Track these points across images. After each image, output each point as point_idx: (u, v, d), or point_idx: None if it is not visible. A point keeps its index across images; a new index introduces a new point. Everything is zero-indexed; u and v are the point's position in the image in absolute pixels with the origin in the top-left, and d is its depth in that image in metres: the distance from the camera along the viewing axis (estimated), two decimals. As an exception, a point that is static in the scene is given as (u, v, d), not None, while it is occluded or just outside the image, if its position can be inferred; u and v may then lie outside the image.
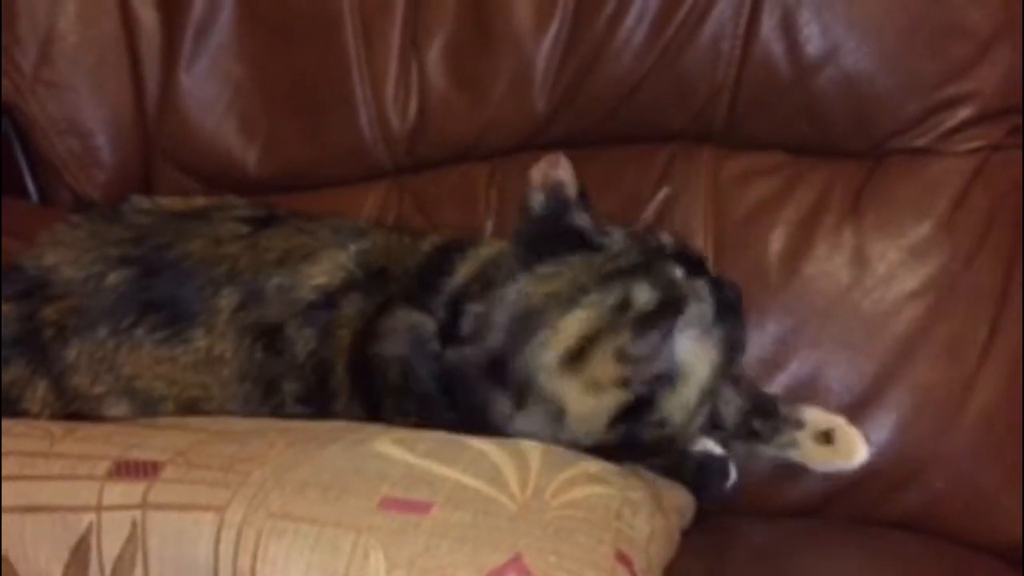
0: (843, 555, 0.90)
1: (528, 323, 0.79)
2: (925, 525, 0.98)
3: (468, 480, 0.64)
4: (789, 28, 1.03)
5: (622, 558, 0.61)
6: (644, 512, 0.68)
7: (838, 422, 0.95)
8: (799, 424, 0.94)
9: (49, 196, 1.25)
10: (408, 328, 0.85)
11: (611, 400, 0.77)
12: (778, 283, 1.02)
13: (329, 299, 0.88)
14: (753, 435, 0.94)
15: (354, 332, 0.87)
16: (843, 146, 1.05)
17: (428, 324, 0.85)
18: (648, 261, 0.81)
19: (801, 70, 1.04)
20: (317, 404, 0.87)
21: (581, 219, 0.84)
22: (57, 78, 1.17)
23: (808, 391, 1.00)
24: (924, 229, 1.01)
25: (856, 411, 1.00)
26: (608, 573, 0.60)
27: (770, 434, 0.94)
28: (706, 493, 0.94)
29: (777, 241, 1.03)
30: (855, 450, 0.95)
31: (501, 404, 0.78)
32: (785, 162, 1.07)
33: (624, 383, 0.76)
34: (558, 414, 0.77)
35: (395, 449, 0.67)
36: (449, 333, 0.83)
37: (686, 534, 0.86)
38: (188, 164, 1.20)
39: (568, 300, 0.78)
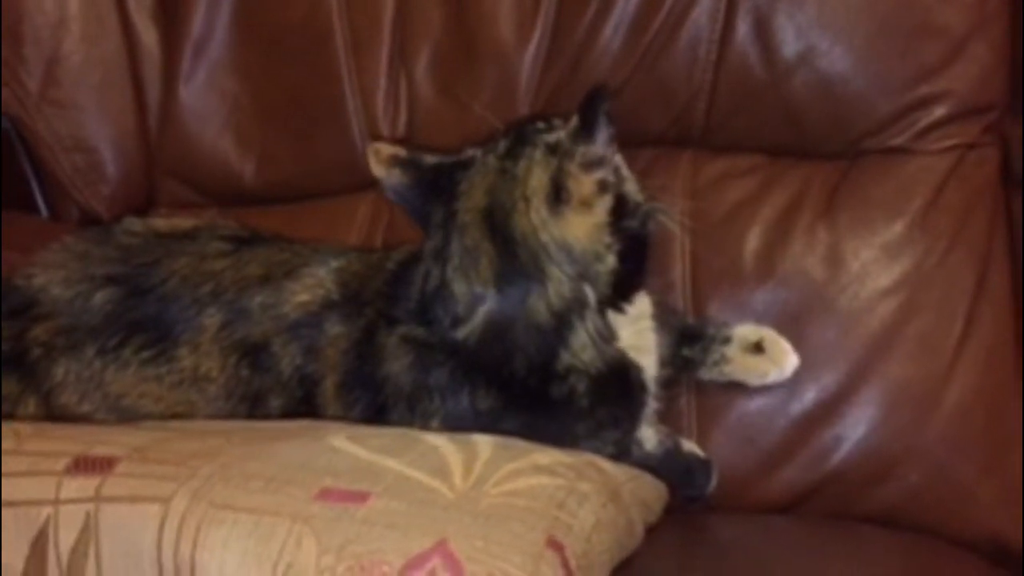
0: (811, 550, 0.91)
1: (496, 223, 0.83)
2: (903, 519, 0.98)
3: (411, 472, 0.67)
4: (763, 32, 1.05)
5: (554, 544, 0.64)
6: (593, 503, 0.70)
7: (766, 332, 0.97)
8: (726, 340, 0.96)
9: (58, 211, 1.29)
10: (404, 340, 0.88)
11: (602, 208, 0.84)
12: (754, 282, 1.03)
13: (312, 317, 0.91)
14: (686, 364, 0.97)
15: (342, 352, 0.90)
16: (820, 147, 1.07)
17: (419, 331, 0.87)
18: (520, 124, 0.87)
19: (776, 73, 1.05)
20: (303, 416, 0.90)
21: (430, 158, 0.89)
22: (62, 97, 1.21)
23: (783, 387, 1.00)
24: (898, 227, 1.02)
25: (832, 407, 1.00)
26: (534, 558, 0.62)
27: (701, 356, 0.96)
28: (691, 492, 0.96)
29: (753, 240, 1.04)
30: (786, 357, 0.96)
31: (534, 308, 0.82)
32: (762, 164, 1.08)
33: (603, 187, 0.84)
34: (571, 258, 0.82)
35: (348, 444, 0.70)
36: (432, 323, 0.86)
37: (656, 528, 0.88)
38: (188, 177, 1.23)
39: (510, 182, 0.84)
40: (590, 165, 0.83)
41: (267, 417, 0.92)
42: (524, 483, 0.68)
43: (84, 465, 0.68)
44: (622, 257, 0.85)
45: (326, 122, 1.18)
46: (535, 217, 0.83)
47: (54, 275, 0.96)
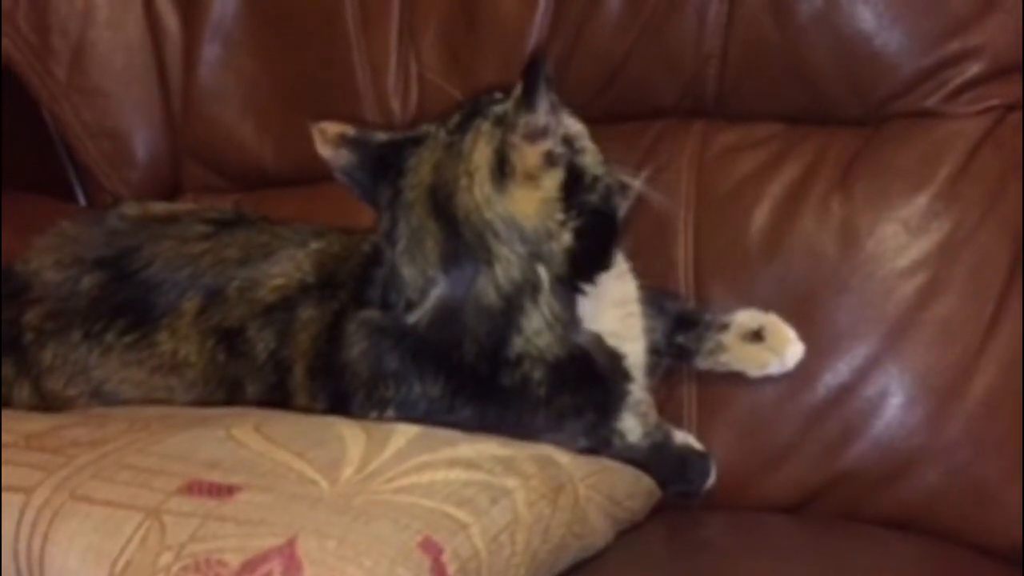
0: (814, 554, 0.83)
1: (439, 201, 0.80)
2: (919, 523, 0.90)
3: (297, 463, 0.64)
4: (776, -12, 0.97)
5: (427, 545, 0.59)
6: (514, 499, 0.65)
7: (768, 319, 0.90)
8: (723, 327, 0.90)
9: (93, 198, 1.31)
10: (362, 324, 0.85)
11: (550, 183, 0.79)
12: (760, 260, 0.96)
13: (287, 302, 0.89)
14: (681, 353, 0.91)
15: (312, 337, 0.88)
16: (840, 113, 0.99)
17: (376, 315, 0.84)
18: (475, 100, 0.83)
19: (791, 33, 0.98)
20: (277, 403, 0.88)
21: (381, 135, 0.85)
22: (89, 84, 1.23)
23: (790, 377, 0.93)
24: (921, 199, 0.94)
25: (843, 398, 0.93)
26: (391, 560, 0.58)
27: (695, 344, 0.90)
28: (684, 488, 0.91)
29: (761, 216, 0.97)
30: (787, 345, 0.89)
31: (482, 290, 0.78)
32: (778, 133, 1.01)
33: (550, 160, 0.79)
34: (521, 237, 0.78)
35: (248, 434, 0.68)
36: (388, 307, 0.83)
37: (641, 525, 0.83)
38: (211, 161, 1.24)
39: (455, 158, 0.81)
40: (533, 136, 0.78)
41: (244, 404, 0.90)
42: (427, 478, 0.64)
43: (-25, 452, 0.67)
44: (580, 234, 0.79)
45: (339, 101, 1.17)
46: (478, 193, 0.79)
47: (46, 259, 0.98)
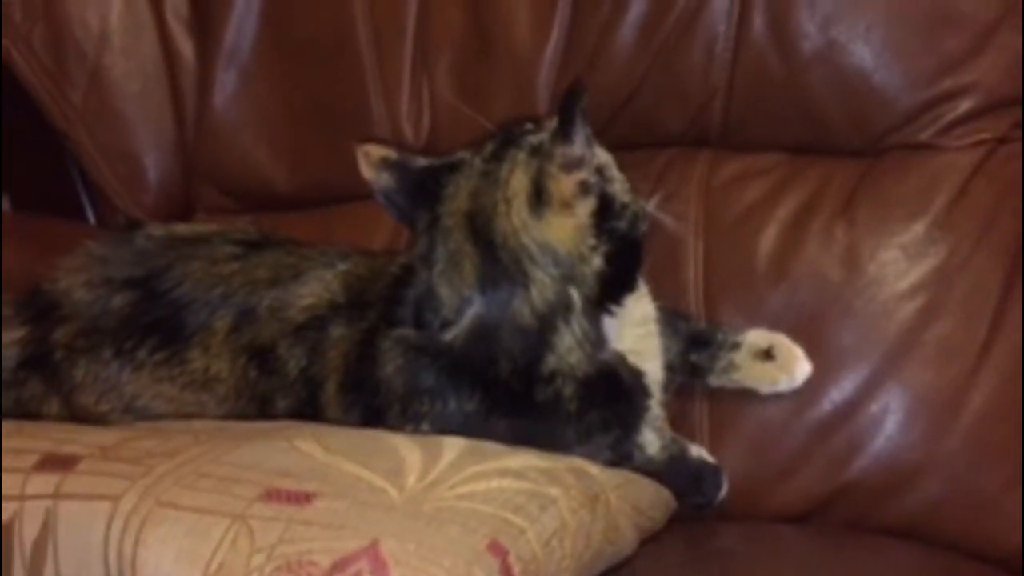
0: (822, 563, 0.88)
1: (478, 226, 0.83)
2: (922, 532, 0.95)
3: (363, 473, 0.67)
4: (780, 27, 1.02)
5: (495, 548, 0.63)
6: (560, 508, 0.69)
7: (778, 338, 0.95)
8: (735, 346, 0.94)
9: (105, 219, 1.33)
10: (397, 342, 0.88)
11: (584, 210, 0.83)
12: (767, 284, 1.00)
13: (317, 321, 0.92)
14: (695, 370, 0.95)
15: (343, 354, 0.91)
16: (841, 144, 1.03)
17: (411, 333, 0.88)
18: (508, 130, 0.87)
19: (794, 68, 1.02)
20: (308, 417, 0.91)
21: (420, 160, 0.89)
22: (104, 108, 1.25)
23: (798, 394, 0.98)
24: (919, 227, 0.99)
25: (848, 414, 0.97)
26: (467, 561, 0.62)
27: (709, 363, 0.95)
28: (699, 499, 0.94)
29: (768, 242, 1.02)
30: (796, 364, 0.94)
31: (518, 311, 0.82)
32: (781, 163, 1.05)
33: (584, 188, 0.83)
34: (555, 261, 0.82)
35: (310, 445, 0.71)
36: (423, 326, 0.86)
37: (659, 535, 0.86)
38: (225, 184, 1.26)
39: (492, 185, 0.84)
40: (569, 166, 0.83)
41: (274, 418, 0.93)
42: (483, 487, 0.67)
43: (50, 463, 0.70)
44: (609, 259, 0.84)
45: (353, 126, 1.19)
46: (516, 219, 0.83)
47: (76, 279, 1.00)
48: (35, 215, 1.31)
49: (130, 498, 0.66)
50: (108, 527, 0.65)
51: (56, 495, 0.68)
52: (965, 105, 0.99)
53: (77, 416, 0.97)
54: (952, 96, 0.99)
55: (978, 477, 0.94)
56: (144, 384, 0.95)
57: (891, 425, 0.96)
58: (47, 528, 0.66)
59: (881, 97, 1.00)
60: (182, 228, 1.07)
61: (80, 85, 1.25)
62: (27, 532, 0.67)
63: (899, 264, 0.97)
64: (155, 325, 0.96)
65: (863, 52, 1.00)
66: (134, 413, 0.96)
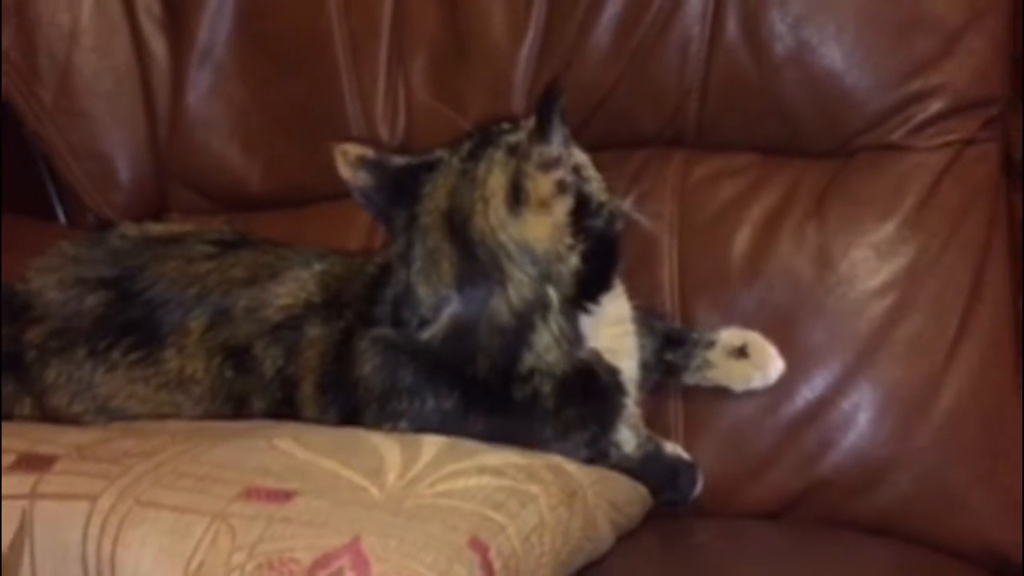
0: (795, 557, 0.89)
1: (455, 225, 0.83)
2: (894, 527, 0.96)
3: (344, 471, 0.67)
4: (753, 29, 1.03)
5: (476, 544, 0.63)
6: (539, 504, 0.69)
7: (752, 337, 0.96)
8: (710, 344, 0.95)
9: (75, 219, 1.32)
10: (375, 341, 0.88)
11: (561, 209, 0.84)
12: (741, 283, 1.01)
13: (294, 320, 0.92)
14: (670, 369, 0.96)
15: (320, 354, 0.91)
16: (813, 145, 1.05)
17: (389, 332, 0.88)
18: (486, 129, 0.87)
19: (767, 70, 1.04)
20: (284, 417, 0.91)
21: (398, 159, 0.89)
22: (75, 106, 1.24)
23: (771, 391, 0.99)
24: (889, 226, 1.00)
25: (820, 411, 0.98)
26: (448, 558, 0.62)
27: (684, 361, 0.96)
28: (674, 496, 0.95)
29: (741, 241, 1.03)
30: (770, 362, 0.95)
31: (496, 309, 0.82)
32: (754, 163, 1.06)
33: (561, 187, 0.83)
34: (532, 260, 0.82)
35: (289, 444, 0.71)
36: (400, 324, 0.87)
37: (635, 531, 0.87)
38: (197, 184, 1.25)
39: (470, 184, 0.84)
40: (547, 165, 0.83)
41: (250, 418, 0.93)
42: (462, 484, 0.68)
43: (26, 463, 0.69)
44: (586, 257, 0.84)
45: (328, 126, 1.19)
46: (493, 218, 0.83)
47: (48, 279, 0.99)
48: (4, 215, 1.29)
49: (108, 497, 0.66)
50: (86, 527, 0.65)
51: (32, 495, 0.67)
52: (934, 106, 1.01)
53: (49, 418, 0.96)
54: (921, 98, 1.01)
55: (947, 473, 0.95)
56: (118, 385, 0.95)
57: (862, 422, 0.97)
58: (23, 528, 0.66)
59: (852, 98, 1.02)
60: (156, 228, 1.06)
61: (51, 84, 1.24)
62: (5, 533, 0.67)
63: (870, 263, 0.99)
64: (129, 325, 0.95)
65: (834, 54, 1.01)
66: (108, 414, 0.95)
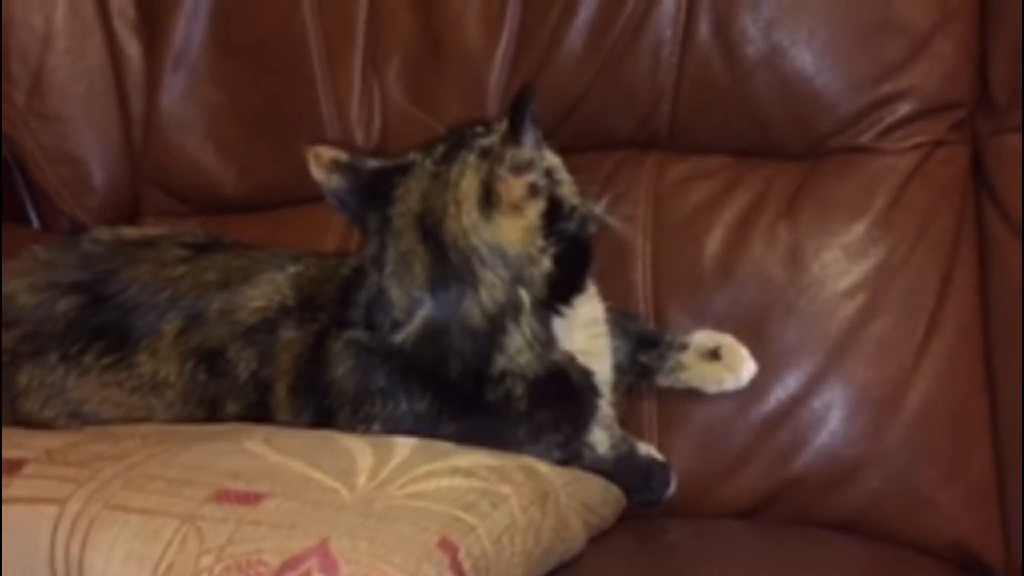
0: (768, 556, 0.90)
1: (428, 227, 0.84)
2: (865, 526, 0.97)
3: (314, 473, 0.67)
4: (724, 32, 1.04)
5: (445, 545, 0.64)
6: (511, 505, 0.70)
7: (724, 339, 0.96)
8: (683, 347, 0.96)
9: (49, 223, 1.31)
10: (348, 344, 0.89)
11: (533, 211, 0.84)
12: (713, 284, 1.02)
13: (268, 323, 0.92)
14: (644, 371, 0.96)
15: (294, 356, 0.91)
16: (784, 147, 1.06)
17: (362, 335, 0.88)
18: (458, 132, 0.87)
19: (738, 73, 1.04)
20: (257, 420, 0.91)
21: (371, 162, 0.89)
22: (48, 109, 1.24)
23: (743, 391, 0.99)
24: (859, 228, 1.01)
25: (792, 411, 0.99)
26: (418, 558, 0.63)
27: (657, 363, 0.96)
28: (648, 496, 0.96)
29: (714, 242, 1.03)
30: (742, 364, 0.96)
31: (468, 312, 0.82)
32: (727, 165, 1.07)
33: (533, 190, 0.84)
34: (504, 262, 0.83)
35: (260, 446, 0.71)
36: (373, 327, 0.87)
37: (609, 532, 0.87)
38: (172, 187, 1.25)
39: (443, 187, 0.85)
40: (519, 168, 0.83)
41: (224, 421, 0.92)
42: (434, 485, 0.68)
43: (-6, 467, 0.69)
44: (558, 260, 0.85)
45: (303, 129, 1.19)
46: (466, 221, 0.84)
47: (20, 283, 0.98)
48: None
49: (77, 501, 0.66)
50: (54, 531, 0.65)
51: (0, 499, 0.67)
52: (904, 109, 1.02)
53: (21, 423, 0.96)
54: (891, 100, 1.02)
55: (917, 471, 0.96)
56: (91, 389, 0.94)
57: (833, 421, 0.98)
58: (-10, 532, 0.66)
59: (823, 101, 1.03)
60: (129, 231, 1.06)
61: (23, 87, 1.24)
62: (-27, 537, 0.67)
63: (840, 264, 1.00)
64: (102, 329, 0.95)
65: (805, 57, 1.02)
66: (80, 419, 0.95)
